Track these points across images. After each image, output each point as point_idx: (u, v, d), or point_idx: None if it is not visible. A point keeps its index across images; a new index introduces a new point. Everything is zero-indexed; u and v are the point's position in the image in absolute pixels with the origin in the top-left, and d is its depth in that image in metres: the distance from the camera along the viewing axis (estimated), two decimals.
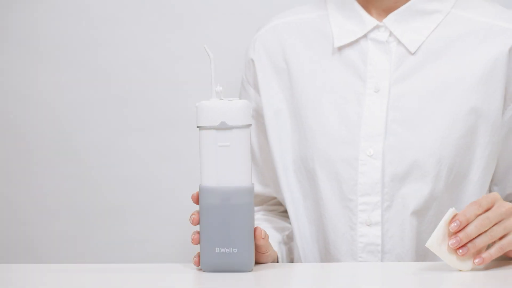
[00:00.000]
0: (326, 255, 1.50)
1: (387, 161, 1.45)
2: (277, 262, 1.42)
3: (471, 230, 1.24)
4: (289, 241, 1.57)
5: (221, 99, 1.26)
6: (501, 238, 1.27)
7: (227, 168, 1.25)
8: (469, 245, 1.24)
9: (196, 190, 1.28)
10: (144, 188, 1.96)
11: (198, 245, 1.27)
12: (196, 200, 1.27)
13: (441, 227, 1.25)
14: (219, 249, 1.25)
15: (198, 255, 1.27)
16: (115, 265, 1.39)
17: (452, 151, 1.44)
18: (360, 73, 1.48)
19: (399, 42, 1.47)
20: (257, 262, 1.32)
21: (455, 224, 1.24)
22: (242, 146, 1.24)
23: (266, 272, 1.27)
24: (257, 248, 1.29)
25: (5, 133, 1.97)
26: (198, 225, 1.26)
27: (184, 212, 1.91)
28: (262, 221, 1.56)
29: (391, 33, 1.48)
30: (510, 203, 1.28)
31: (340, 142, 1.47)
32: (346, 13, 1.50)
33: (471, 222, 1.25)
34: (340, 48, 1.50)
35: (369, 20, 1.48)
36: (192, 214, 1.27)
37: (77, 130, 1.96)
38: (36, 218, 1.98)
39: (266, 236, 1.29)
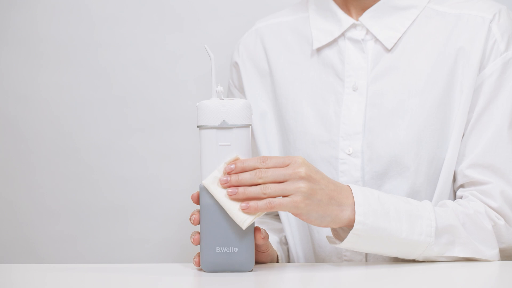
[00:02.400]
0: (314, 254, 1.50)
1: (367, 159, 1.45)
2: (277, 261, 1.42)
3: (244, 176, 1.22)
4: (286, 241, 1.56)
5: (221, 99, 1.26)
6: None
7: None
8: (240, 188, 1.22)
9: (196, 190, 1.28)
10: (144, 188, 1.95)
11: (198, 245, 1.27)
12: (196, 200, 1.27)
13: (221, 169, 1.23)
14: (220, 249, 1.24)
15: (198, 256, 1.27)
16: (115, 265, 1.39)
17: (430, 144, 1.44)
18: (338, 72, 1.48)
19: (376, 39, 1.47)
20: (257, 262, 1.32)
21: (231, 166, 1.23)
22: (242, 146, 1.24)
23: (266, 272, 1.27)
24: (257, 247, 1.29)
25: (5, 133, 1.97)
26: (198, 225, 1.26)
27: (184, 212, 1.91)
28: (258, 223, 1.56)
29: (368, 31, 1.48)
30: (308, 169, 1.23)
31: (320, 142, 1.47)
32: (324, 14, 1.51)
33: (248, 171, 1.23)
34: (319, 49, 1.51)
35: (346, 20, 1.48)
36: (192, 214, 1.27)
37: (77, 130, 1.96)
38: (36, 218, 1.97)
39: (266, 236, 1.29)
